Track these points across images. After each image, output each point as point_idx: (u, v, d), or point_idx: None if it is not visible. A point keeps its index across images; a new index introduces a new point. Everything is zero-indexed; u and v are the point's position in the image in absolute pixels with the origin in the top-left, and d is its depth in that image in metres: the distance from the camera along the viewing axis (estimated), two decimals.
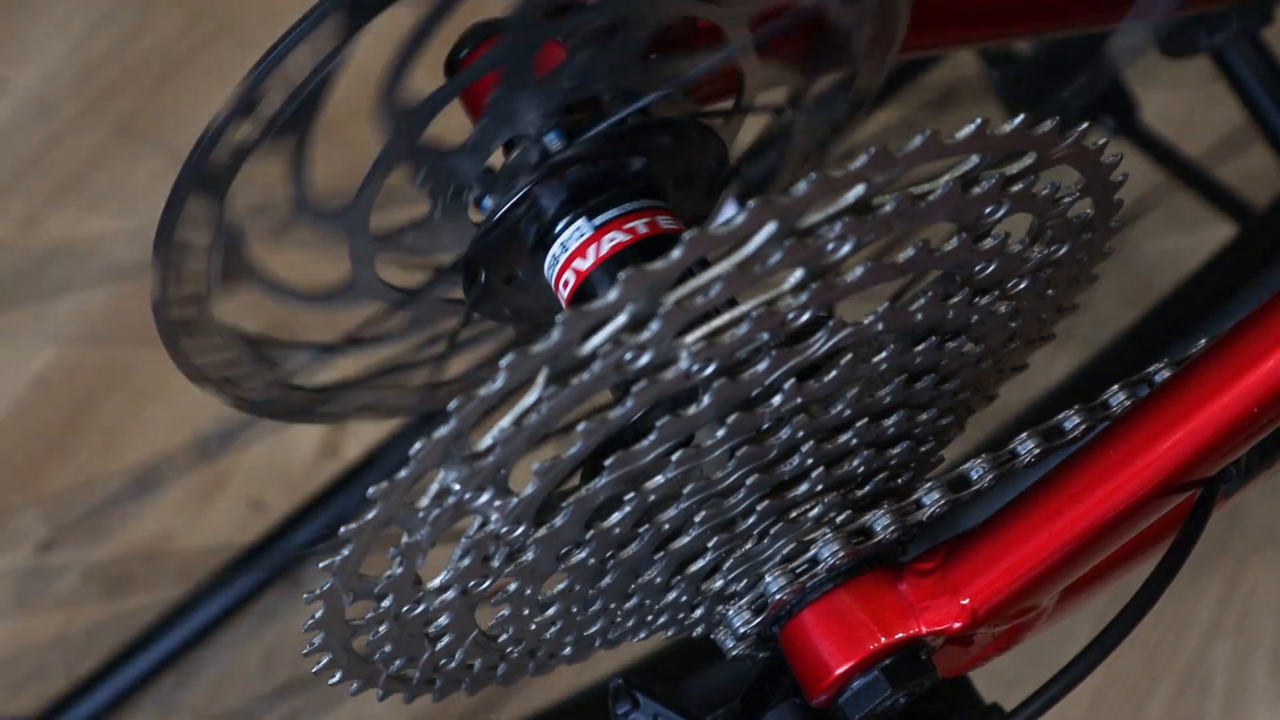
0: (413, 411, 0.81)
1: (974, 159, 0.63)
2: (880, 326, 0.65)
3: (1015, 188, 0.64)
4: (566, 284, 0.70)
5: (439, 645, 0.70)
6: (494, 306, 0.74)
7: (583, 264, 0.69)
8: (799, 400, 0.65)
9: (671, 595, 0.70)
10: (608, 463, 0.64)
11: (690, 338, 0.62)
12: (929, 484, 0.69)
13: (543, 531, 0.65)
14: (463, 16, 0.68)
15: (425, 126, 0.68)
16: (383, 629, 0.68)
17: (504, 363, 0.60)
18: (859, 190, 0.61)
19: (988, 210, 0.64)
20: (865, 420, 0.67)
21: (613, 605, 0.70)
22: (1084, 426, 0.70)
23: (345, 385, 0.78)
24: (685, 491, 0.66)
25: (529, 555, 0.66)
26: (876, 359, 0.66)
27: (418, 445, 0.61)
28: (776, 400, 0.64)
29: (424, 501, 0.63)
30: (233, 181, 0.67)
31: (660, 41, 0.71)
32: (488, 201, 0.71)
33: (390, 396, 0.80)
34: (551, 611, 0.69)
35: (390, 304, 0.75)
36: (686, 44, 0.72)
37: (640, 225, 0.70)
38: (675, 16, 0.71)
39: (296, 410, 0.77)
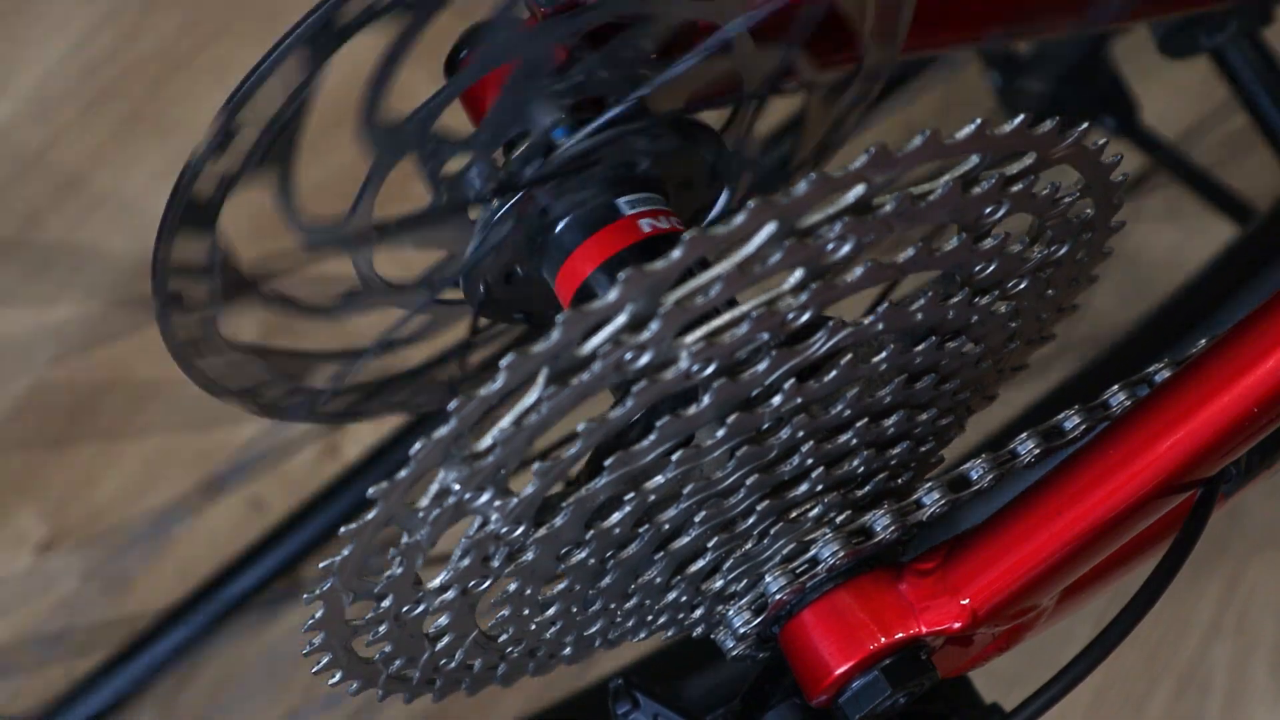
0: (438, 405, 0.82)
1: (974, 159, 0.63)
2: (880, 326, 0.65)
3: (1015, 188, 0.64)
4: (567, 283, 0.70)
5: (439, 645, 0.70)
6: (497, 308, 0.74)
7: (583, 265, 0.69)
8: (799, 400, 0.65)
9: (671, 595, 0.70)
10: (608, 463, 0.64)
11: (690, 338, 0.62)
12: (929, 484, 0.69)
13: (543, 531, 0.65)
14: (463, 16, 0.68)
15: (427, 130, 0.68)
16: (383, 629, 0.68)
17: (504, 363, 0.60)
18: (859, 190, 0.61)
19: (988, 210, 0.64)
20: (865, 420, 0.67)
21: (613, 605, 0.70)
22: (1084, 426, 0.70)
23: (372, 387, 0.78)
24: (685, 491, 0.66)
25: (529, 555, 0.66)
26: (876, 359, 0.66)
27: (418, 445, 0.61)
28: (776, 400, 0.64)
29: (424, 501, 0.63)
30: (219, 213, 0.67)
31: (665, 47, 0.71)
32: (485, 198, 0.71)
33: (419, 394, 0.80)
34: (551, 611, 0.69)
35: (395, 307, 0.75)
36: (689, 46, 0.72)
37: (644, 224, 0.70)
38: (675, 18, 0.70)
39: (320, 412, 0.78)
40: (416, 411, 0.82)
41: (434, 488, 0.63)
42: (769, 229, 0.60)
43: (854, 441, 0.67)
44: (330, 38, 0.65)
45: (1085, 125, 0.64)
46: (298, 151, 0.68)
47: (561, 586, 0.68)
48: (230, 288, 0.71)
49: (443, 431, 0.61)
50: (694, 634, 0.73)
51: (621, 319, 0.60)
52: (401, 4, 0.65)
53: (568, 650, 0.73)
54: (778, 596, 0.69)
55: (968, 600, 0.68)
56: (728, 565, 0.69)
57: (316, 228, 0.70)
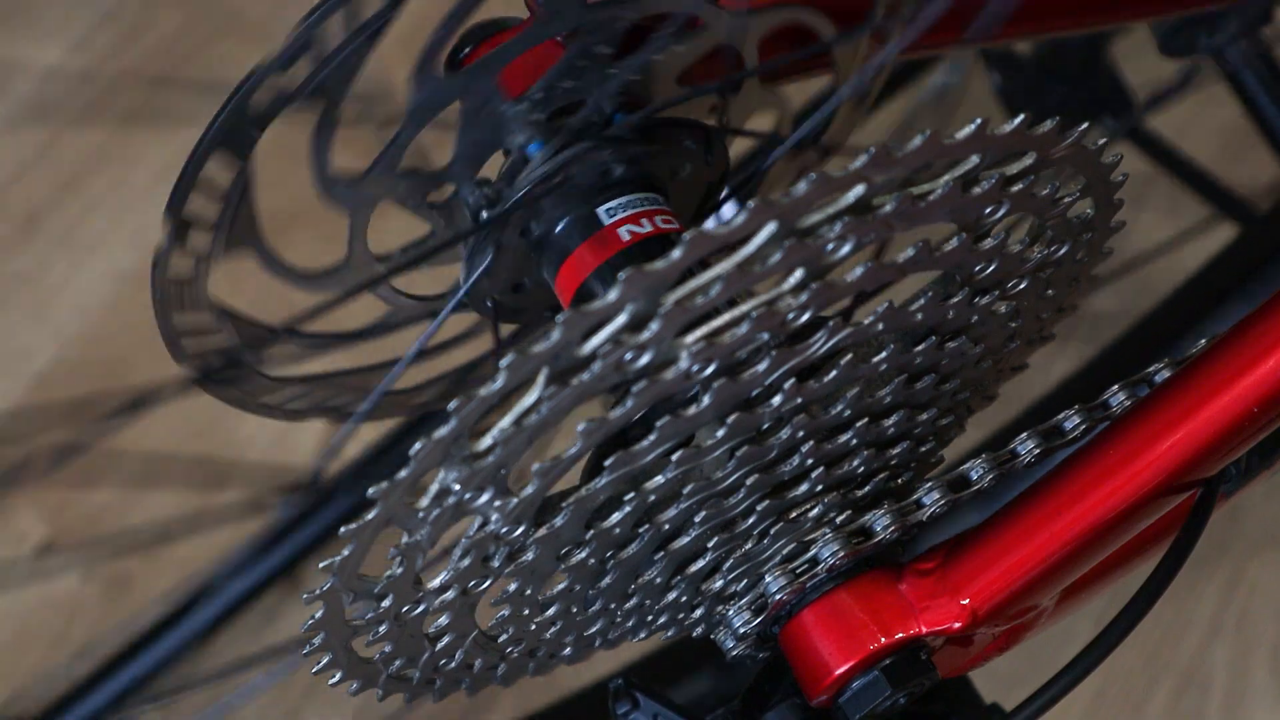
0: (358, 418, 0.81)
1: (974, 159, 0.63)
2: (880, 326, 0.65)
3: (1015, 188, 0.64)
4: (568, 285, 0.70)
5: (439, 645, 0.70)
6: (516, 315, 0.74)
7: (583, 265, 0.69)
8: (799, 400, 0.65)
9: (671, 595, 0.70)
10: (608, 463, 0.64)
11: (690, 338, 0.62)
12: (929, 484, 0.69)
13: (543, 531, 0.65)
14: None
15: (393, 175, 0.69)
16: (383, 629, 0.68)
17: (504, 363, 0.60)
18: (859, 190, 0.61)
19: (988, 210, 0.64)
20: (865, 420, 0.67)
21: (613, 605, 0.70)
22: (1084, 426, 0.70)
23: (310, 379, 0.78)
24: (685, 491, 0.66)
25: (529, 555, 0.66)
26: (876, 359, 0.66)
27: (418, 445, 0.61)
28: (776, 400, 0.64)
29: (424, 501, 0.63)
30: (258, 140, 0.67)
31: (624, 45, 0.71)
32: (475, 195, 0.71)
33: (344, 397, 0.80)
34: (551, 611, 0.69)
35: (379, 293, 0.75)
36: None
37: (644, 224, 0.70)
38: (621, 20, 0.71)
39: (249, 397, 0.77)
40: (333, 419, 0.82)
41: (434, 488, 0.63)
42: (769, 229, 0.60)
43: (854, 441, 0.67)
44: (246, 131, 0.66)
45: (1085, 125, 0.64)
46: (349, 88, 0.67)
47: (561, 586, 0.68)
48: (238, 231, 0.71)
49: (443, 431, 0.61)
50: (694, 634, 0.73)
51: (622, 319, 0.60)
52: (309, 93, 0.66)
53: (568, 650, 0.73)
54: (778, 596, 0.69)
55: (968, 600, 0.68)
56: (728, 565, 0.69)
57: (320, 276, 0.71)
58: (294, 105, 0.66)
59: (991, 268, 0.66)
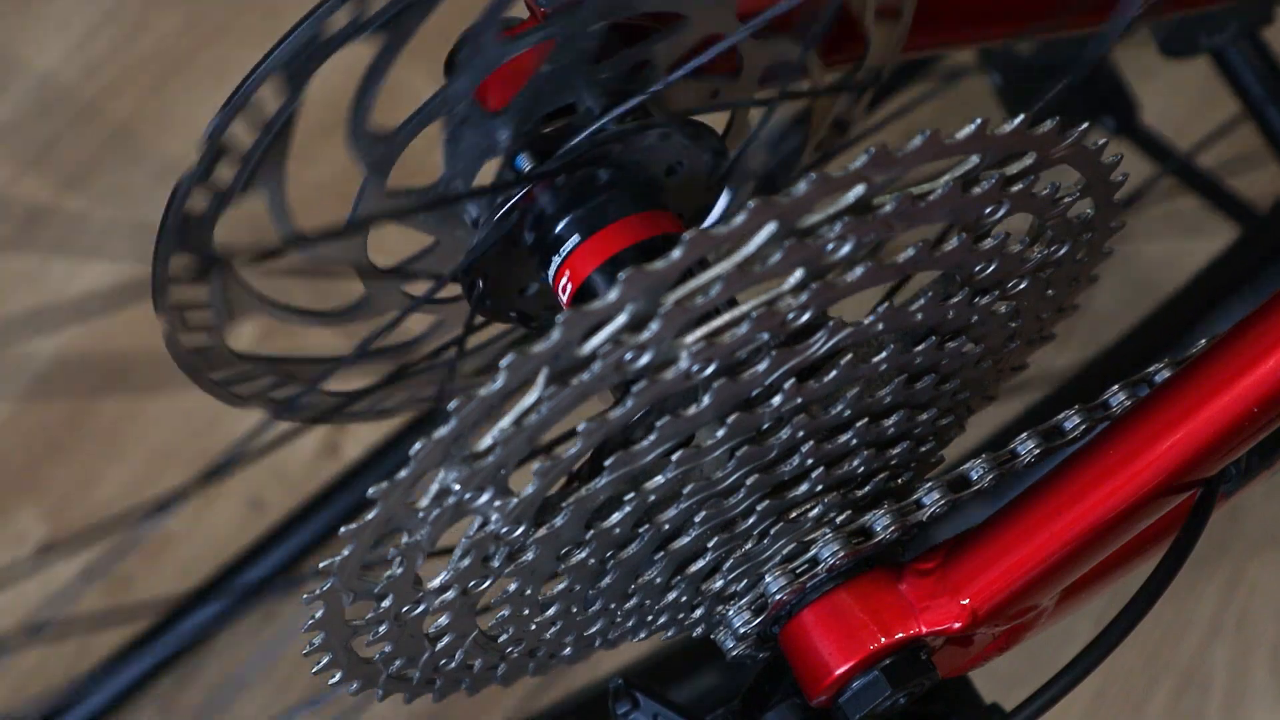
0: (441, 399, 0.82)
1: (974, 159, 0.63)
2: (880, 326, 0.65)
3: (1015, 188, 0.64)
4: (566, 287, 0.70)
5: (439, 645, 0.70)
6: (498, 308, 0.74)
7: (583, 265, 0.69)
8: (799, 400, 0.65)
9: (671, 595, 0.70)
10: (608, 463, 0.64)
11: (690, 338, 0.62)
12: (929, 484, 0.69)
13: (543, 531, 0.65)
14: (462, 15, 0.68)
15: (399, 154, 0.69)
16: (383, 629, 0.68)
17: (504, 363, 0.60)
18: (859, 190, 0.61)
19: (988, 210, 0.64)
20: (865, 420, 0.67)
21: (613, 605, 0.70)
22: (1084, 426, 0.70)
23: (375, 387, 0.78)
24: (685, 491, 0.66)
25: (529, 555, 0.66)
26: (876, 359, 0.66)
27: (418, 445, 0.61)
28: (776, 400, 0.64)
29: (424, 501, 0.63)
30: (213, 229, 0.68)
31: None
32: (474, 211, 0.71)
33: (421, 390, 0.80)
34: (552, 611, 0.69)
35: (405, 312, 0.75)
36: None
37: (641, 225, 0.70)
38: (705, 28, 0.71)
39: (330, 412, 0.78)
40: (400, 414, 0.82)
41: (434, 488, 0.63)
42: (769, 229, 0.60)
43: (854, 441, 0.67)
44: (310, 57, 0.65)
45: (1085, 125, 0.64)
46: (284, 165, 0.68)
47: (561, 586, 0.68)
48: (234, 303, 0.71)
49: (443, 431, 0.61)
50: (694, 634, 0.73)
51: (621, 319, 0.60)
52: (381, 23, 0.65)
53: (568, 650, 0.73)
54: (778, 596, 0.69)
55: (968, 600, 0.68)
56: (728, 565, 0.69)
57: (312, 233, 0.70)
58: (365, 35, 0.65)
59: (991, 268, 0.66)
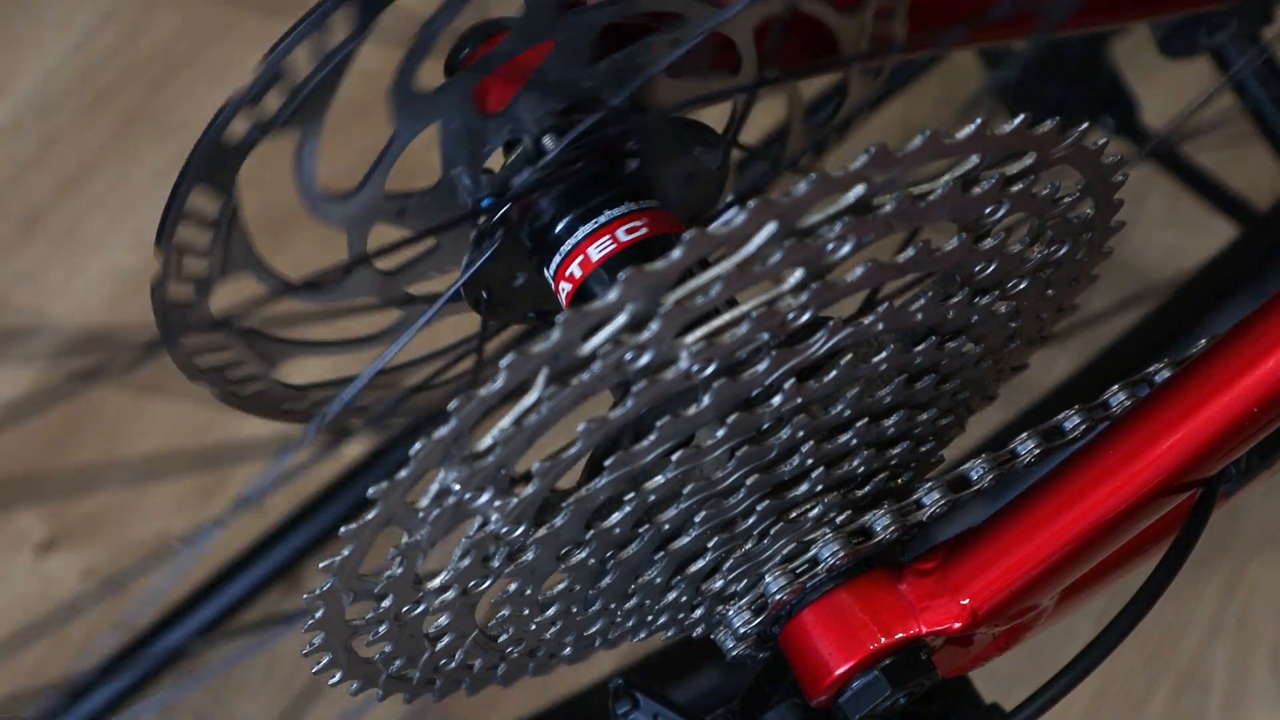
0: (393, 417, 0.81)
1: (974, 159, 0.63)
2: (880, 326, 0.65)
3: (1015, 188, 0.64)
4: (567, 284, 0.70)
5: (439, 645, 0.70)
6: (505, 311, 0.74)
7: (583, 265, 0.69)
8: (799, 400, 0.65)
9: (671, 595, 0.70)
10: (608, 463, 0.64)
11: (690, 338, 0.62)
12: (929, 484, 0.69)
13: (543, 531, 0.65)
14: (462, 15, 0.68)
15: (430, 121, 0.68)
16: (383, 629, 0.68)
17: (504, 363, 0.60)
18: (859, 190, 0.61)
19: (988, 210, 0.64)
20: (865, 420, 0.67)
21: (613, 605, 0.70)
22: (1084, 426, 0.70)
23: (329, 384, 0.78)
24: (685, 491, 0.66)
25: (529, 555, 0.66)
26: (876, 359, 0.66)
27: (418, 445, 0.61)
28: (776, 400, 0.64)
29: (424, 501, 0.63)
30: (238, 170, 0.67)
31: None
32: (486, 203, 0.71)
33: (373, 399, 0.80)
34: (552, 611, 0.69)
35: (382, 297, 0.75)
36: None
37: (641, 225, 0.70)
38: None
39: (279, 406, 0.77)
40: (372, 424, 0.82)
41: (434, 488, 0.63)
42: (769, 229, 0.60)
43: (854, 441, 0.67)
44: (225, 163, 0.66)
45: (1085, 125, 0.64)
46: (326, 111, 0.67)
47: (561, 586, 0.68)
48: (232, 256, 0.71)
49: (443, 431, 0.61)
50: (694, 634, 0.73)
51: (621, 319, 0.60)
52: (284, 122, 0.65)
53: (568, 650, 0.73)
54: (778, 596, 0.69)
55: (968, 600, 0.68)
56: (728, 565, 0.69)
57: (326, 196, 0.70)
58: (269, 135, 0.66)
59: (991, 268, 0.66)
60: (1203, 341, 0.70)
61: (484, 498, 0.63)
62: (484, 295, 0.72)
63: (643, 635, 0.73)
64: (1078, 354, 1.17)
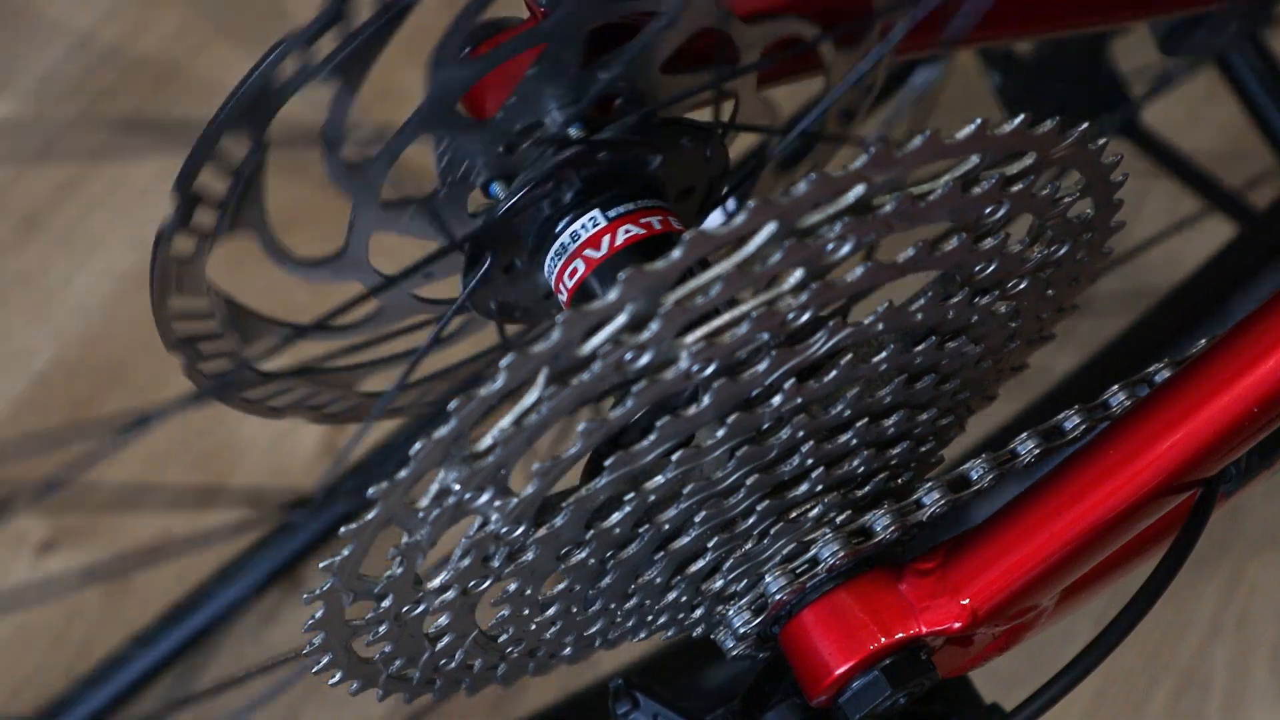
0: (346, 418, 0.81)
1: (974, 159, 0.63)
2: (880, 326, 0.65)
3: (1015, 188, 0.64)
4: (573, 275, 0.70)
5: (439, 645, 0.70)
6: (482, 298, 0.74)
7: (595, 254, 0.69)
8: (799, 400, 0.65)
9: (671, 595, 0.70)
10: (608, 463, 0.64)
11: (690, 338, 0.62)
12: (929, 484, 0.69)
13: (543, 531, 0.65)
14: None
15: (456, 99, 0.68)
16: (383, 629, 0.68)
17: (504, 363, 0.60)
18: (859, 190, 0.61)
19: (988, 210, 0.64)
20: (865, 420, 0.67)
21: (613, 605, 0.70)
22: (1084, 426, 0.70)
23: (288, 374, 0.77)
24: (685, 491, 0.66)
25: (529, 555, 0.66)
26: (876, 359, 0.66)
27: (418, 445, 0.61)
28: (776, 400, 0.64)
29: (424, 501, 0.63)
30: (273, 118, 0.66)
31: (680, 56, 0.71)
32: (495, 187, 0.71)
33: (327, 395, 0.79)
34: (552, 611, 0.69)
35: (370, 285, 0.75)
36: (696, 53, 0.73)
37: (654, 221, 0.70)
38: (700, 26, 0.71)
39: (242, 394, 0.77)
40: (318, 420, 0.81)
41: (434, 488, 0.63)
42: (769, 229, 0.60)
43: (854, 441, 0.67)
44: (265, 107, 0.65)
45: (1085, 125, 0.64)
46: (370, 66, 0.66)
47: (561, 586, 0.68)
48: (244, 211, 0.70)
49: (443, 431, 0.61)
50: (694, 634, 0.73)
51: (622, 319, 0.60)
52: (332, 66, 0.65)
53: (568, 650, 0.73)
54: (778, 596, 0.69)
55: (968, 600, 0.68)
56: (728, 565, 0.69)
57: (317, 264, 0.70)
58: (316, 80, 0.65)
59: (991, 268, 0.66)
60: (1203, 341, 0.70)
61: (484, 498, 0.63)
62: (493, 306, 0.73)
63: (643, 635, 0.73)
64: (1078, 354, 1.17)
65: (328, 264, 0.73)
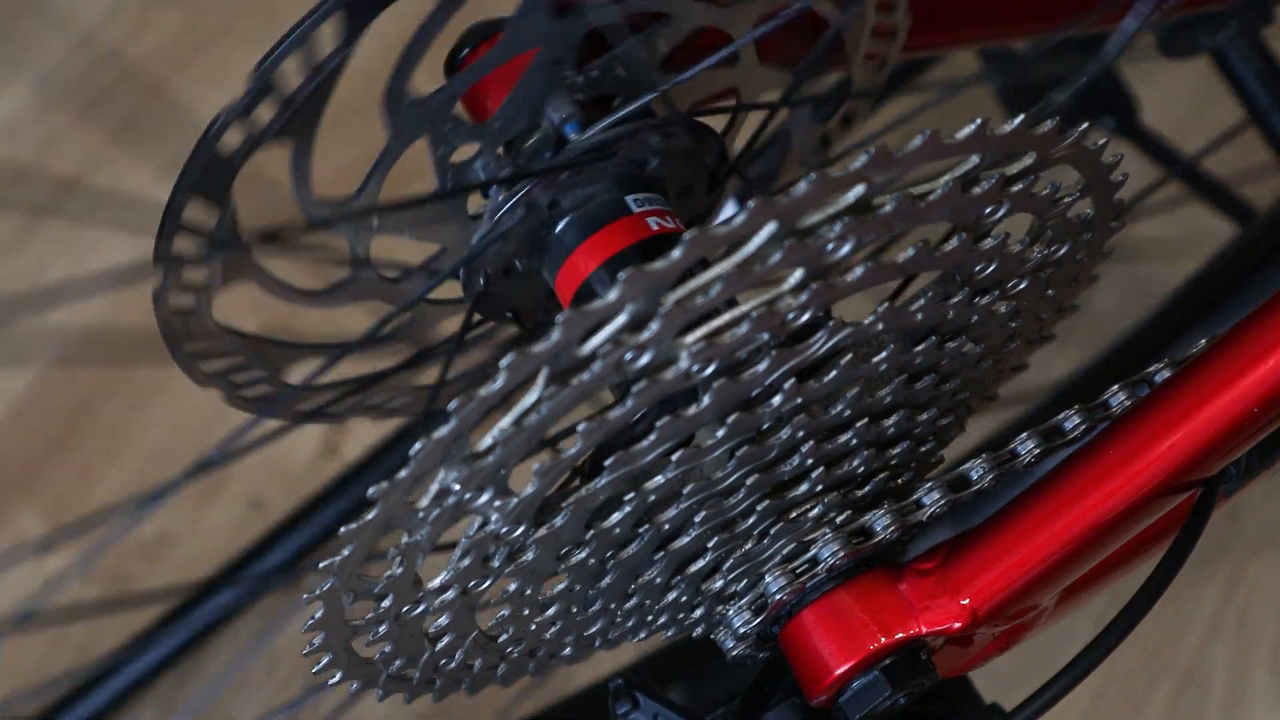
0: (413, 412, 0.82)
1: (974, 159, 0.63)
2: (880, 326, 0.65)
3: (1015, 188, 0.64)
4: (568, 282, 0.70)
5: (439, 645, 0.70)
6: (491, 304, 0.74)
7: (586, 261, 0.69)
8: (799, 400, 0.65)
9: (671, 595, 0.70)
10: (608, 463, 0.64)
11: (690, 338, 0.62)
12: (929, 484, 0.69)
13: (543, 531, 0.65)
14: (463, 16, 0.68)
15: (448, 115, 0.68)
16: (383, 629, 0.68)
17: (504, 363, 0.60)
18: (859, 190, 0.61)
19: (988, 210, 0.64)
20: (865, 420, 0.67)
21: (613, 605, 0.70)
22: (1084, 426, 0.70)
23: (344, 384, 0.78)
24: (685, 491, 0.66)
25: (529, 555, 0.66)
26: (876, 359, 0.66)
27: (418, 445, 0.61)
28: (776, 400, 0.64)
29: (424, 501, 0.63)
30: (233, 181, 0.67)
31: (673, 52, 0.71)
32: (495, 190, 0.71)
33: (390, 398, 0.80)
34: (552, 611, 0.69)
35: (387, 301, 0.75)
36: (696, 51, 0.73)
37: (650, 222, 0.70)
38: (694, 21, 0.71)
39: (295, 409, 0.77)
40: (386, 417, 0.82)
41: (434, 488, 0.63)
42: (769, 229, 0.60)
43: (854, 441, 0.67)
44: (220, 174, 0.66)
45: (1085, 125, 0.64)
46: (319, 121, 0.67)
47: (561, 586, 0.68)
48: (231, 265, 0.71)
49: (443, 431, 0.61)
50: (694, 634, 0.73)
51: (622, 319, 0.60)
52: (276, 134, 0.65)
53: (568, 650, 0.73)
54: (778, 596, 0.69)
55: (968, 600, 0.68)
56: (728, 565, 0.69)
57: (322, 202, 0.70)
58: (263, 147, 0.66)
59: (991, 268, 0.66)
60: (1203, 341, 0.70)
61: (484, 498, 0.63)
62: (481, 283, 0.72)
63: (643, 635, 0.73)
64: (1078, 354, 1.17)
65: (336, 292, 0.73)
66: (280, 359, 0.75)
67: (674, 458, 0.64)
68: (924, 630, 0.68)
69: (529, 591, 0.68)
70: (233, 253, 0.70)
